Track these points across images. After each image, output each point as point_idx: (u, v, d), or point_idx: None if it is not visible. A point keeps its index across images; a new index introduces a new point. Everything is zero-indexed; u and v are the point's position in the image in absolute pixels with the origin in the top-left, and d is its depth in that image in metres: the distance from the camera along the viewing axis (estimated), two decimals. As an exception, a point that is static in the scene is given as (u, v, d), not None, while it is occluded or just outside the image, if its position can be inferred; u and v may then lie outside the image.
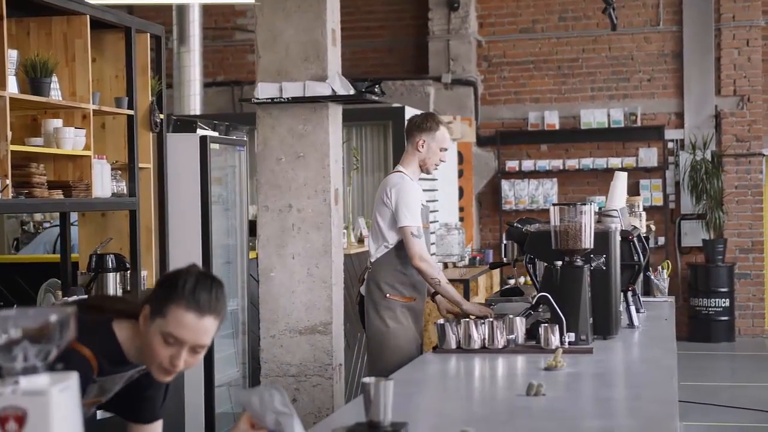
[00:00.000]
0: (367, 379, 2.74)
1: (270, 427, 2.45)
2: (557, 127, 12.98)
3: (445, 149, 5.36)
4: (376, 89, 5.91)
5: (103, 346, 2.67)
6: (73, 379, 1.81)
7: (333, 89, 5.63)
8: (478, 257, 11.00)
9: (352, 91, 5.69)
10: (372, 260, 5.32)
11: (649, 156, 12.75)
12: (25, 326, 1.78)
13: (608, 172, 12.68)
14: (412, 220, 5.12)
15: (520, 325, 4.36)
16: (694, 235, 12.70)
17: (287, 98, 5.64)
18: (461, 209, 12.45)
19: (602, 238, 4.56)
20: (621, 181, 5.63)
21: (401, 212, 5.13)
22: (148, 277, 5.93)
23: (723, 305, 12.34)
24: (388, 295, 5.22)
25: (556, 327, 4.23)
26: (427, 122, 5.33)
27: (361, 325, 5.49)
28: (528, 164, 13.01)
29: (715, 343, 12.22)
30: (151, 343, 2.62)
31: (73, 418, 1.80)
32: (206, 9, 12.56)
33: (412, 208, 5.14)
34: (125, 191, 5.67)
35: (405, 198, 5.15)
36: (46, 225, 8.50)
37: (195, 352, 2.63)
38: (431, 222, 9.81)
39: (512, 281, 11.61)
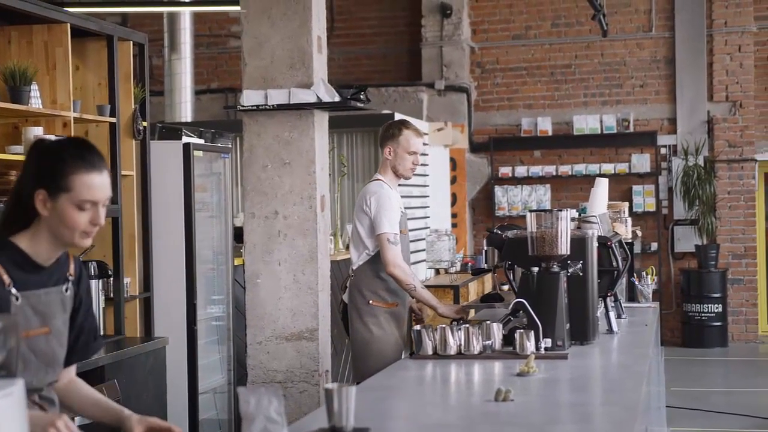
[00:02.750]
0: (329, 385, 2.76)
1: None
2: (550, 133, 13.00)
3: (414, 152, 5.40)
4: (361, 96, 5.93)
5: (8, 257, 2.69)
6: (17, 385, 1.83)
7: (318, 96, 5.65)
8: (470, 263, 11.00)
9: (337, 98, 5.70)
10: (354, 267, 5.40)
11: (641, 162, 12.76)
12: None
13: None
14: (389, 227, 5.20)
15: (497, 331, 4.36)
16: (687, 240, 12.71)
17: (273, 105, 5.66)
18: (454, 215, 12.48)
19: (579, 244, 4.57)
20: (601, 187, 5.65)
21: (379, 220, 5.22)
22: (131, 284, 5.95)
23: (716, 311, 12.35)
24: (370, 301, 5.29)
25: (532, 333, 4.24)
26: (389, 129, 5.43)
27: (345, 332, 5.51)
28: (521, 170, 13.02)
29: (708, 349, 12.22)
30: (66, 217, 2.68)
31: (19, 423, 1.81)
32: (200, 16, 12.60)
33: (390, 215, 5.22)
34: (108, 198, 5.68)
35: (384, 205, 5.24)
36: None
37: (103, 206, 2.75)
38: (418, 229, 9.90)
39: (506, 287, 11.61)
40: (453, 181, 12.46)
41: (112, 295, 5.71)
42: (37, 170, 2.71)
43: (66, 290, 2.83)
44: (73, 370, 2.98)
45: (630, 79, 12.99)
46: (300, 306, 5.69)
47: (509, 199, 13.05)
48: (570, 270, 4.51)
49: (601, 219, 5.31)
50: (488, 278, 11.38)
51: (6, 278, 2.66)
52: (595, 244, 4.72)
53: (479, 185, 13.18)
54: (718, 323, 12.38)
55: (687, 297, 12.45)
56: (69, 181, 2.67)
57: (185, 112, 10.38)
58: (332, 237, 8.29)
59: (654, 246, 12.66)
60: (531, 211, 4.50)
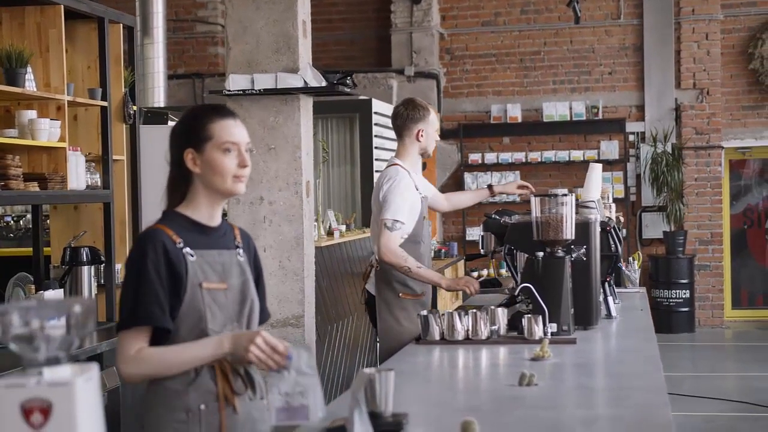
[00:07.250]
0: (368, 370, 2.74)
1: (285, 388, 2.46)
2: (519, 120, 13.04)
3: (437, 130, 5.39)
4: (347, 81, 5.89)
5: (175, 222, 2.87)
6: (94, 370, 1.79)
7: (305, 81, 5.61)
8: (443, 250, 11.03)
9: (323, 83, 5.66)
10: (378, 259, 5.18)
11: (610, 149, 12.85)
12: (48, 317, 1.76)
13: (570, 165, 12.78)
14: (390, 213, 5.06)
15: (502, 316, 4.37)
16: (654, 227, 12.82)
17: (258, 90, 5.61)
18: (424, 202, 12.47)
19: (582, 228, 4.58)
20: (596, 172, 5.68)
21: (385, 204, 5.09)
22: (122, 270, 5.86)
23: (683, 296, 12.47)
24: (401, 294, 5.15)
25: (539, 318, 4.25)
26: (419, 111, 5.29)
27: (328, 319, 5.46)
28: (491, 157, 13.06)
29: (675, 334, 12.35)
30: (216, 164, 2.85)
31: (97, 408, 1.78)
32: (168, 1, 12.45)
33: (397, 202, 5.08)
34: (99, 183, 5.60)
35: (393, 191, 5.10)
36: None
37: (248, 151, 2.90)
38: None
39: (475, 273, 11.65)
40: (423, 167, 12.41)
41: (103, 281, 5.62)
42: (181, 135, 2.91)
43: (239, 255, 2.95)
44: None
45: (599, 67, 13.06)
46: (286, 292, 5.67)
47: (479, 186, 13.06)
48: (574, 255, 4.52)
49: (597, 204, 5.34)
50: (461, 265, 11.41)
51: (177, 239, 2.83)
52: (598, 228, 4.74)
53: (449, 172, 13.19)
54: (686, 309, 12.51)
55: (655, 283, 12.56)
56: (208, 129, 2.85)
57: (158, 97, 10.26)
58: (315, 223, 8.25)
59: (623, 232, 12.74)
60: (536, 196, 4.49)
